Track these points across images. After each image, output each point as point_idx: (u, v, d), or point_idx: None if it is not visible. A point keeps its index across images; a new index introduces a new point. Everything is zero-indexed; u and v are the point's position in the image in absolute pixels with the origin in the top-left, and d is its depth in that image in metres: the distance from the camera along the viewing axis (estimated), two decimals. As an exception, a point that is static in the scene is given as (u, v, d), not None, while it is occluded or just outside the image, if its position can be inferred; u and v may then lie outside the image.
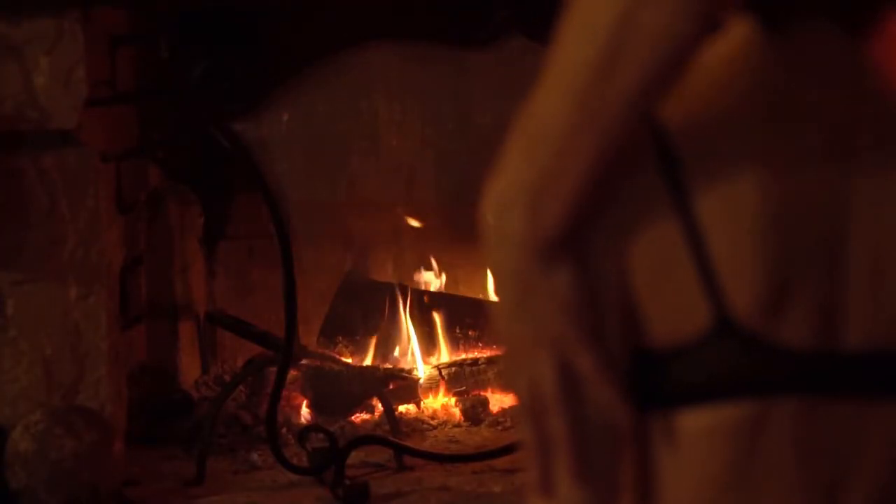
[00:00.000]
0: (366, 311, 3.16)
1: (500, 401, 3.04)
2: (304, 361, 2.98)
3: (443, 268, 3.27)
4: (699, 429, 0.97)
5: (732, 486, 0.97)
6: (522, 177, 0.97)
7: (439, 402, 3.05)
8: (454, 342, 3.17)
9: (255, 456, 2.79)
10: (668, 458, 0.98)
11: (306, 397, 3.00)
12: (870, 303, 0.95)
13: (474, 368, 3.08)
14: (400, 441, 2.80)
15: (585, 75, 0.94)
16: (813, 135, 0.96)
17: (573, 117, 0.95)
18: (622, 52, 0.92)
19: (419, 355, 3.13)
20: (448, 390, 3.06)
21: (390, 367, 3.10)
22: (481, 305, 3.23)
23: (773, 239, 0.95)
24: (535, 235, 0.96)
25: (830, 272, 0.95)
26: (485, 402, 3.01)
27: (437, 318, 3.16)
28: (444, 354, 3.15)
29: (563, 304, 0.97)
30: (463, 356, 3.14)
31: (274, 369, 2.74)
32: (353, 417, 2.96)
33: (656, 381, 0.98)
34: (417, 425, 2.96)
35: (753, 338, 0.95)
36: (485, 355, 3.13)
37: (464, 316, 3.20)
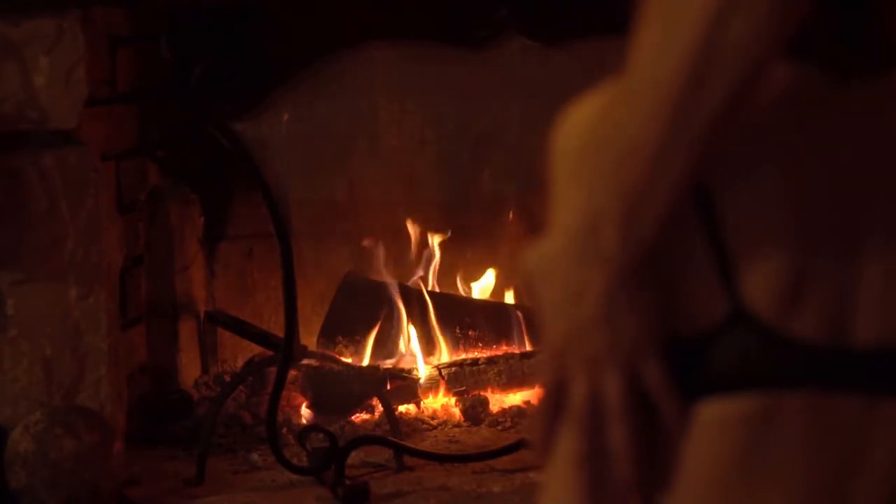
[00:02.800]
0: (366, 311, 3.16)
1: (500, 401, 3.04)
2: (304, 361, 2.98)
3: (443, 268, 3.27)
4: (712, 419, 0.98)
5: (741, 475, 0.98)
6: (613, 194, 0.97)
7: (439, 402, 3.05)
8: (454, 342, 3.17)
9: (255, 456, 2.79)
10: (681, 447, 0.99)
11: (306, 397, 3.00)
12: (882, 300, 0.96)
13: (474, 368, 3.07)
14: (400, 441, 2.80)
15: (675, 90, 0.94)
16: (836, 146, 0.98)
17: (665, 133, 0.95)
18: (711, 66, 0.93)
19: (419, 355, 3.13)
20: (448, 390, 3.06)
21: (390, 367, 3.09)
22: (481, 305, 3.23)
23: (789, 232, 0.96)
24: (629, 252, 0.97)
25: (845, 268, 0.96)
26: (485, 402, 3.01)
27: (436, 318, 3.16)
28: (444, 354, 3.15)
29: (649, 319, 0.98)
30: (463, 356, 3.14)
31: (274, 369, 2.74)
32: (353, 417, 2.96)
33: (673, 373, 0.99)
34: (417, 425, 2.96)
35: (767, 330, 0.97)
36: (485, 355, 3.13)
37: (464, 316, 3.19)
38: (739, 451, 0.97)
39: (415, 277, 3.23)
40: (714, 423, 0.98)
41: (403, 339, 3.14)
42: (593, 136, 0.99)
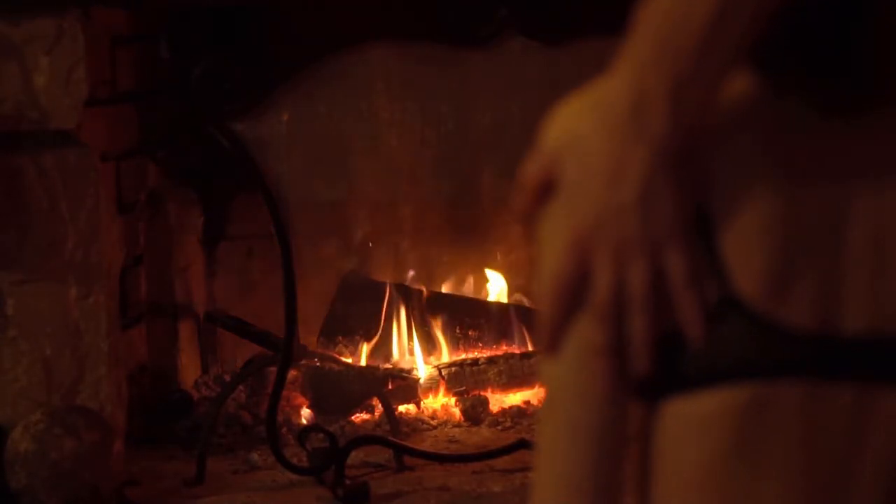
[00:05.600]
0: (366, 311, 3.16)
1: (500, 401, 3.04)
2: (304, 361, 2.98)
3: (443, 268, 3.27)
4: (705, 411, 0.97)
5: (737, 468, 0.97)
6: (663, 72, 0.95)
7: (439, 402, 3.05)
8: (454, 342, 3.17)
9: (255, 456, 2.79)
10: (673, 441, 0.99)
11: (306, 397, 3.00)
12: (870, 288, 0.96)
13: (474, 368, 3.07)
14: (400, 441, 2.80)
15: None
16: (816, 140, 0.98)
17: (716, 7, 0.94)
18: None
19: (419, 355, 3.13)
20: (448, 390, 3.06)
21: (390, 367, 3.09)
22: (481, 305, 3.23)
23: (777, 218, 0.96)
24: (675, 132, 0.95)
25: (833, 256, 0.96)
26: (485, 402, 3.01)
27: (436, 318, 3.16)
28: (444, 354, 3.15)
29: (683, 205, 0.96)
30: (463, 356, 3.14)
31: (274, 369, 2.74)
32: (353, 417, 2.96)
33: (663, 366, 0.98)
34: (417, 425, 2.96)
35: (758, 318, 0.96)
36: (485, 355, 3.13)
37: (464, 316, 3.20)
38: (734, 444, 0.97)
39: (414, 277, 3.23)
40: (706, 415, 0.97)
41: (403, 338, 3.14)
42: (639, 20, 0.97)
